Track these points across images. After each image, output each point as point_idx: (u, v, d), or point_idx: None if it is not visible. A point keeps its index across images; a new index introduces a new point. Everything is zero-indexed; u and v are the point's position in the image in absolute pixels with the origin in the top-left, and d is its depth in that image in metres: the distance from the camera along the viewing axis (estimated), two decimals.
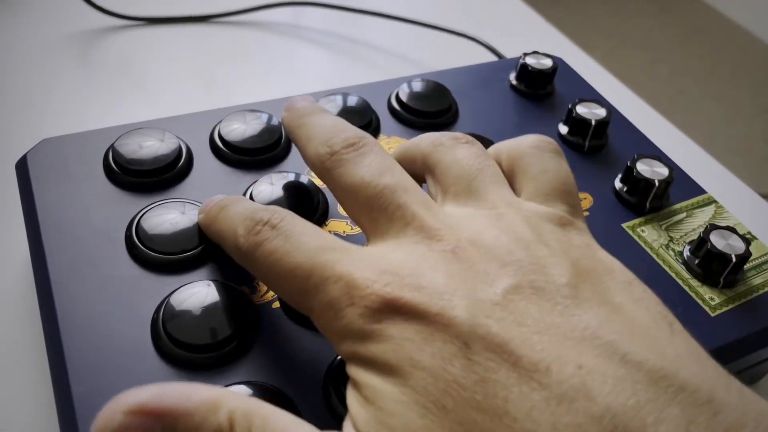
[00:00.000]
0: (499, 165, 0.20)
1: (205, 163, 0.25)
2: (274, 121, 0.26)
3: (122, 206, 0.23)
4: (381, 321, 0.14)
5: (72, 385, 0.17)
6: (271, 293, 0.20)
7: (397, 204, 0.17)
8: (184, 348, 0.18)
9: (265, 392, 0.17)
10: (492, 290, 0.14)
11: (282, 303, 0.20)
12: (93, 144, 0.25)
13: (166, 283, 0.20)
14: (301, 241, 0.16)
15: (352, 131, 0.19)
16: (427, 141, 0.20)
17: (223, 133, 0.25)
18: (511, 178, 0.20)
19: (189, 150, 0.25)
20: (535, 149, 0.20)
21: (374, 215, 0.17)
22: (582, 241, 0.17)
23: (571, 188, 0.19)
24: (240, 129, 0.26)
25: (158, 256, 0.21)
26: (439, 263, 0.15)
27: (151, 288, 0.20)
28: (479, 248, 0.15)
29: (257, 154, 0.25)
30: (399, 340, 0.13)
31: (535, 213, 0.17)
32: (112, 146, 0.24)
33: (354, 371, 0.14)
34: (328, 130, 0.19)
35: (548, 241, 0.16)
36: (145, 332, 0.19)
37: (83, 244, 0.21)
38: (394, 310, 0.14)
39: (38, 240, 0.21)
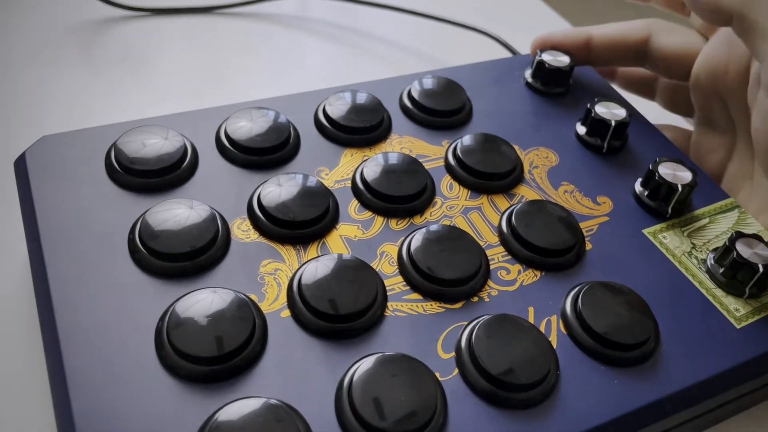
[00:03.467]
0: None
1: (210, 162, 0.24)
2: (282, 119, 0.25)
3: (125, 207, 0.22)
4: None
5: (72, 400, 0.16)
6: (280, 301, 0.20)
7: None
8: (189, 360, 0.17)
9: (274, 409, 0.16)
10: None
11: (292, 312, 0.19)
12: (94, 142, 0.24)
13: (171, 289, 0.19)
14: None
15: None
16: None
17: (229, 132, 0.24)
18: None
19: (194, 149, 0.24)
20: None
21: None
22: None
23: None
24: (247, 127, 0.25)
25: (162, 261, 0.20)
26: None
27: (156, 295, 0.19)
28: None
29: (265, 153, 0.24)
30: None
31: None
32: (114, 144, 0.23)
33: None
34: None
35: None
36: (148, 342, 0.18)
37: (84, 248, 0.20)
38: None
39: (37, 243, 0.20)
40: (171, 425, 0.16)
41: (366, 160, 0.25)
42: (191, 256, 0.20)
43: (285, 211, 0.22)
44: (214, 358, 0.17)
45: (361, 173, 0.24)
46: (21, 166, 0.23)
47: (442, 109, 0.27)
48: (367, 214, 0.23)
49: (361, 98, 0.27)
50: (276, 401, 0.17)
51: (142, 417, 0.16)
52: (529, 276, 0.22)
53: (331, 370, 0.18)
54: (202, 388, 0.17)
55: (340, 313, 0.19)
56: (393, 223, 0.23)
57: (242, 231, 0.22)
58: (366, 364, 0.18)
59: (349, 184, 0.24)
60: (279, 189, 0.22)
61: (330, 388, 0.18)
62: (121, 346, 0.18)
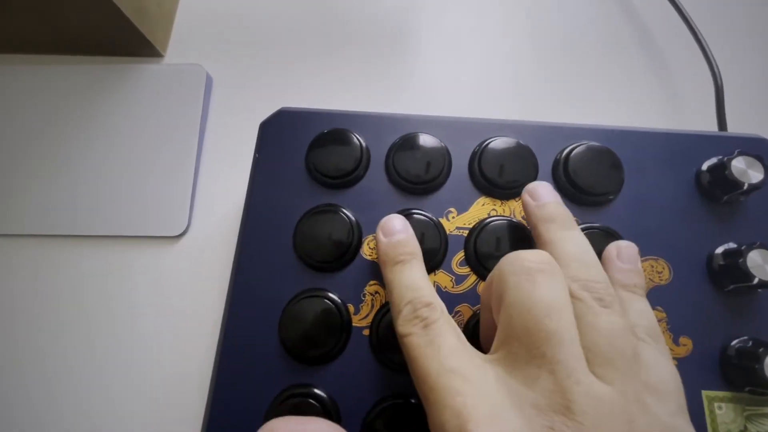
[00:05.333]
0: None
1: (375, 174, 0.28)
2: (441, 153, 0.28)
3: (307, 195, 0.28)
4: None
5: (226, 339, 0.25)
6: (367, 320, 0.25)
7: (543, 353, 0.17)
8: (286, 344, 0.25)
9: (323, 400, 0.23)
10: None
11: (371, 333, 0.25)
12: (314, 124, 0.29)
13: (310, 277, 0.26)
14: (440, 353, 0.18)
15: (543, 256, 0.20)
16: (577, 288, 0.19)
17: (395, 156, 0.28)
18: None
19: (369, 159, 0.28)
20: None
21: (518, 347, 0.18)
22: None
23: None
24: (409, 154, 0.28)
25: (306, 257, 0.26)
26: None
27: (300, 278, 0.26)
28: None
29: (416, 183, 0.27)
30: None
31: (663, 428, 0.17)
32: (315, 138, 0.28)
33: None
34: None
35: None
36: (276, 318, 0.26)
37: (272, 218, 0.27)
38: None
39: (248, 194, 0.28)
40: (268, 382, 0.24)
41: (487, 221, 0.27)
42: (326, 261, 0.26)
43: None
44: (304, 350, 0.25)
45: (477, 235, 0.26)
46: (262, 129, 0.29)
47: (588, 187, 0.27)
48: (466, 270, 0.23)
49: (516, 151, 0.28)
50: (327, 396, 0.24)
51: (259, 358, 0.25)
52: None
53: (377, 390, 0.24)
54: (292, 363, 0.25)
55: None
56: (480, 287, 0.22)
57: (370, 249, 0.27)
58: None
59: (466, 233, 0.25)
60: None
61: (369, 403, 0.24)
62: (264, 311, 0.25)
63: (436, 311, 0.19)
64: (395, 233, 0.23)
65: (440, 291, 0.25)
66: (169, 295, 0.32)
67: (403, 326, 0.20)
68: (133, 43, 0.37)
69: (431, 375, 0.18)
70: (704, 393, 0.23)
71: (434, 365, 0.18)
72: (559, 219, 0.22)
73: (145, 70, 0.38)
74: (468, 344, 0.19)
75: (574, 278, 0.19)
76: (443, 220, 0.26)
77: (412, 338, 0.19)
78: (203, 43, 0.39)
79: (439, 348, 0.18)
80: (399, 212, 0.26)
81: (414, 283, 0.21)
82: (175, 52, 0.39)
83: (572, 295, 0.19)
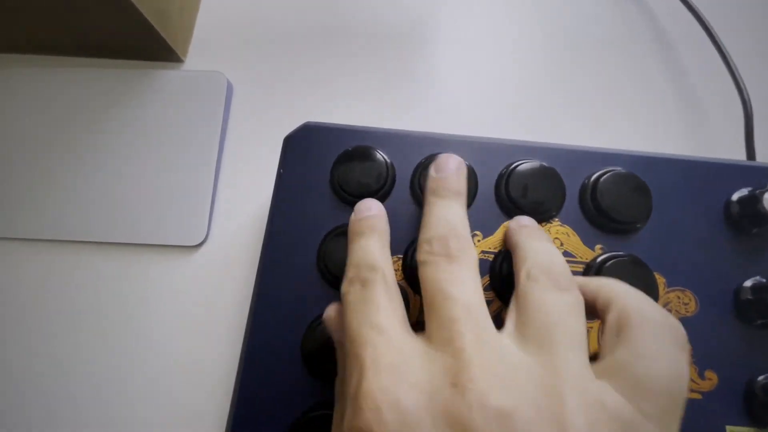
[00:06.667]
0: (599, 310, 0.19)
1: (401, 194, 0.28)
2: (470, 174, 0.28)
3: (331, 212, 0.27)
4: None
5: (249, 355, 0.25)
6: None
7: (449, 316, 0.17)
8: (312, 362, 0.25)
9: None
10: None
11: None
12: (340, 140, 0.28)
13: (333, 296, 0.26)
14: (365, 311, 0.18)
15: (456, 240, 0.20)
16: (525, 270, 0.20)
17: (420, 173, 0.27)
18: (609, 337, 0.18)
19: (394, 178, 0.28)
20: (648, 321, 0.18)
21: (432, 315, 0.18)
22: None
23: (672, 389, 0.16)
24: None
25: (329, 276, 0.26)
26: (445, 423, 0.14)
27: (322, 296, 0.26)
28: (505, 427, 0.14)
29: None
30: None
31: (600, 405, 0.15)
32: (338, 157, 0.28)
33: None
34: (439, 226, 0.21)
35: None
36: (299, 335, 0.26)
37: (295, 235, 0.27)
38: None
39: (271, 211, 0.28)
40: (291, 398, 0.24)
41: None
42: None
43: None
44: (327, 367, 0.24)
45: (503, 260, 0.26)
46: (286, 143, 0.29)
47: (615, 214, 0.27)
48: (490, 295, 0.23)
49: (544, 176, 0.27)
50: None
51: (280, 382, 0.25)
52: None
53: None
54: (315, 380, 0.25)
55: None
56: (504, 313, 0.22)
57: (394, 269, 0.25)
58: None
59: (491, 258, 0.23)
60: None
61: None
62: (287, 321, 0.25)
63: (379, 273, 0.20)
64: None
65: None
66: (186, 304, 0.32)
67: (343, 286, 0.20)
68: (153, 47, 0.37)
69: (351, 328, 0.18)
70: (728, 429, 0.23)
71: (355, 320, 0.18)
72: (534, 232, 0.23)
73: (164, 75, 0.37)
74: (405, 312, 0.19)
75: (537, 265, 0.20)
76: None
77: (347, 298, 0.20)
78: (223, 49, 0.39)
79: (370, 305, 0.18)
80: None
81: (369, 249, 0.21)
82: (194, 58, 0.38)
83: (530, 278, 0.19)
